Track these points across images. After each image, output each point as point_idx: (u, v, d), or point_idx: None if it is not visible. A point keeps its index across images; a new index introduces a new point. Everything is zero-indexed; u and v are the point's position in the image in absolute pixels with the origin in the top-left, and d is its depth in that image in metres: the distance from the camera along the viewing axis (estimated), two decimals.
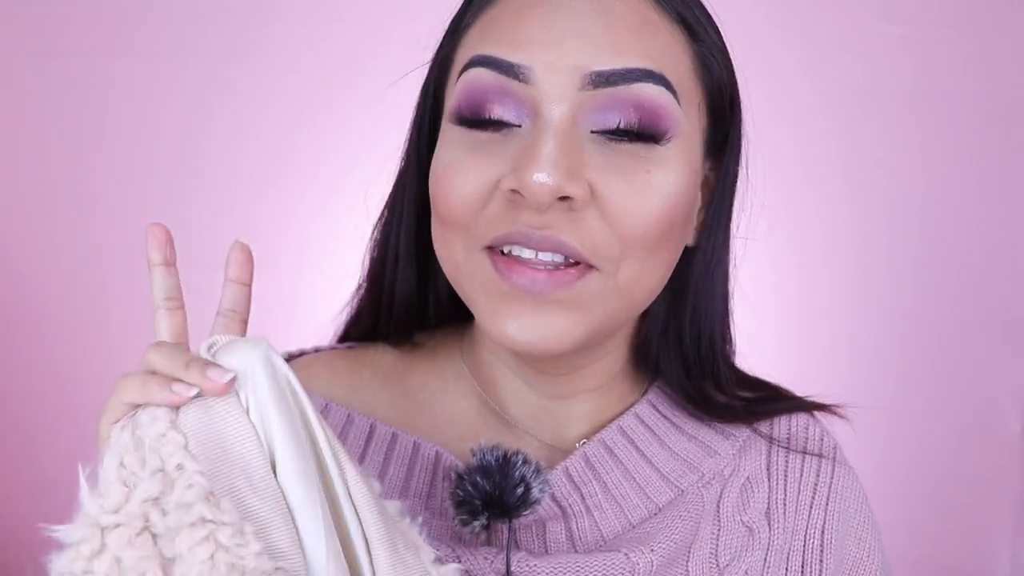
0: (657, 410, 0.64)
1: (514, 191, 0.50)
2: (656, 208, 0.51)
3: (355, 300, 0.68)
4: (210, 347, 0.46)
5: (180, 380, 0.43)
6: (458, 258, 0.54)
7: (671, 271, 0.57)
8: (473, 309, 0.55)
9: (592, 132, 0.51)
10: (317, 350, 0.69)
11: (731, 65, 0.58)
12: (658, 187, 0.51)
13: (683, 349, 0.62)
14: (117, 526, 0.42)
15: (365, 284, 0.66)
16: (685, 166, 0.53)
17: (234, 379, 0.43)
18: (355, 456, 0.61)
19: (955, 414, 1.35)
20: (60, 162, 1.37)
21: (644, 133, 0.51)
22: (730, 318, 0.65)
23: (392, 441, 0.61)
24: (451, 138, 0.54)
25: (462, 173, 0.52)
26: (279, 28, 1.34)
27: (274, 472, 0.44)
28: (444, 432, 0.62)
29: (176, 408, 0.43)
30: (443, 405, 0.64)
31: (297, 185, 1.37)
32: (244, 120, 1.36)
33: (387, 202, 0.66)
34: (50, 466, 1.48)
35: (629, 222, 0.51)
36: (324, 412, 0.62)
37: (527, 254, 0.51)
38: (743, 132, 0.60)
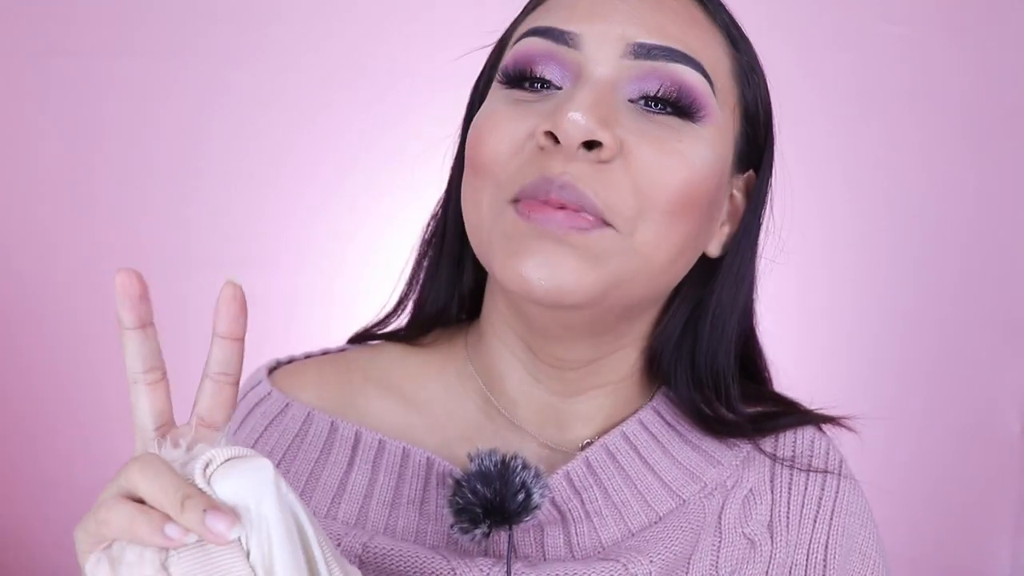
0: (662, 417, 0.63)
1: (547, 133, 0.51)
2: (681, 175, 0.52)
3: (399, 294, 0.67)
4: (206, 466, 0.41)
5: (174, 522, 0.38)
6: (483, 209, 0.54)
7: (689, 256, 0.57)
8: (490, 261, 0.55)
9: (630, 101, 0.53)
10: (308, 356, 0.68)
11: (767, 89, 0.60)
12: (686, 157, 0.52)
13: (695, 362, 0.62)
14: None
15: (410, 277, 0.66)
16: (716, 152, 0.54)
17: (238, 524, 0.38)
18: (341, 467, 0.59)
19: (955, 414, 1.35)
20: (60, 162, 1.37)
21: (680, 106, 0.53)
22: (756, 337, 0.65)
23: (380, 449, 0.60)
24: (494, 95, 0.56)
25: (499, 124, 0.53)
26: (279, 28, 1.34)
27: None
28: (444, 431, 0.62)
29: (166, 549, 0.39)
30: (444, 404, 0.64)
31: (297, 185, 1.37)
32: (244, 120, 1.36)
33: (433, 215, 0.66)
34: (50, 466, 1.48)
35: (652, 182, 0.52)
36: (307, 422, 0.61)
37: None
38: (774, 153, 0.62)
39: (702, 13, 0.56)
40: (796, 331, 1.32)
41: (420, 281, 0.66)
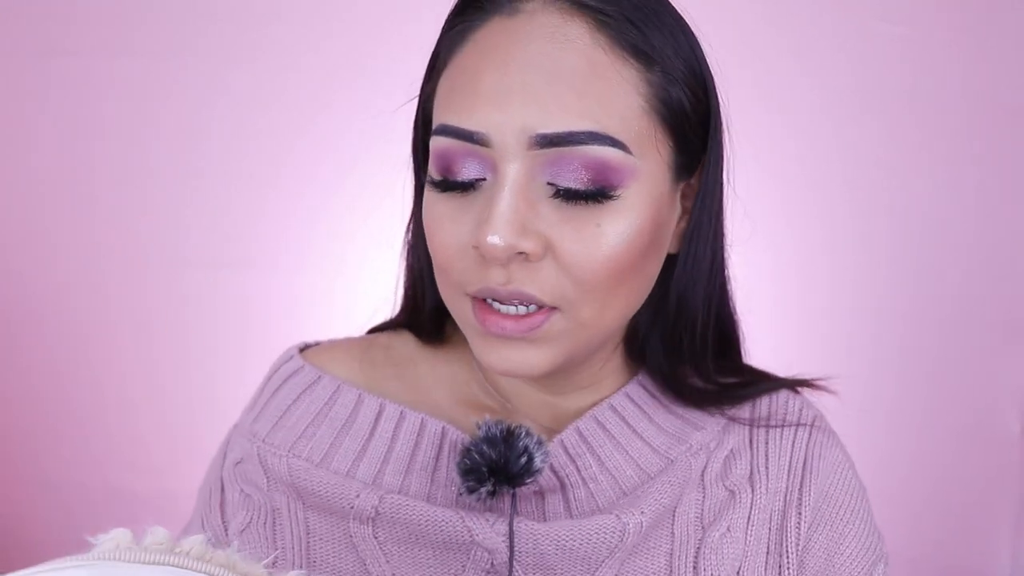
0: (646, 390, 0.68)
1: (476, 248, 0.55)
2: (605, 257, 0.55)
3: (398, 300, 0.73)
4: None
5: None
6: (448, 298, 0.61)
7: (643, 294, 0.61)
8: (464, 332, 0.62)
9: (549, 184, 0.55)
10: (336, 339, 0.74)
11: (701, 80, 0.59)
12: (607, 238, 0.55)
13: (669, 342, 0.67)
14: None
15: (405, 285, 0.71)
16: (643, 207, 0.56)
17: None
18: (364, 434, 0.64)
19: (955, 414, 1.35)
20: (60, 162, 1.37)
21: (592, 192, 0.55)
22: (730, 314, 0.69)
23: (400, 418, 0.65)
24: (430, 195, 0.59)
25: (441, 227, 0.58)
26: (279, 28, 1.34)
27: None
28: (447, 416, 0.66)
29: None
30: (452, 391, 0.68)
31: (297, 185, 1.37)
32: (244, 120, 1.36)
33: (408, 226, 0.70)
34: (50, 466, 1.48)
35: (581, 271, 0.55)
36: (336, 393, 0.67)
37: (497, 305, 0.57)
38: (725, 141, 0.62)
39: (606, 45, 0.55)
40: (796, 331, 1.32)
41: (409, 282, 0.70)
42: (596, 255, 0.55)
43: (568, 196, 0.54)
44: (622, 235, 0.55)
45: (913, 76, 1.30)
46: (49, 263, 1.38)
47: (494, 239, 0.53)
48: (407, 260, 0.70)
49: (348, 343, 0.72)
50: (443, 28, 0.61)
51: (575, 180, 0.54)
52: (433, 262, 0.60)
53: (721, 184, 0.63)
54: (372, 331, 0.74)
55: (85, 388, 1.41)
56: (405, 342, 0.71)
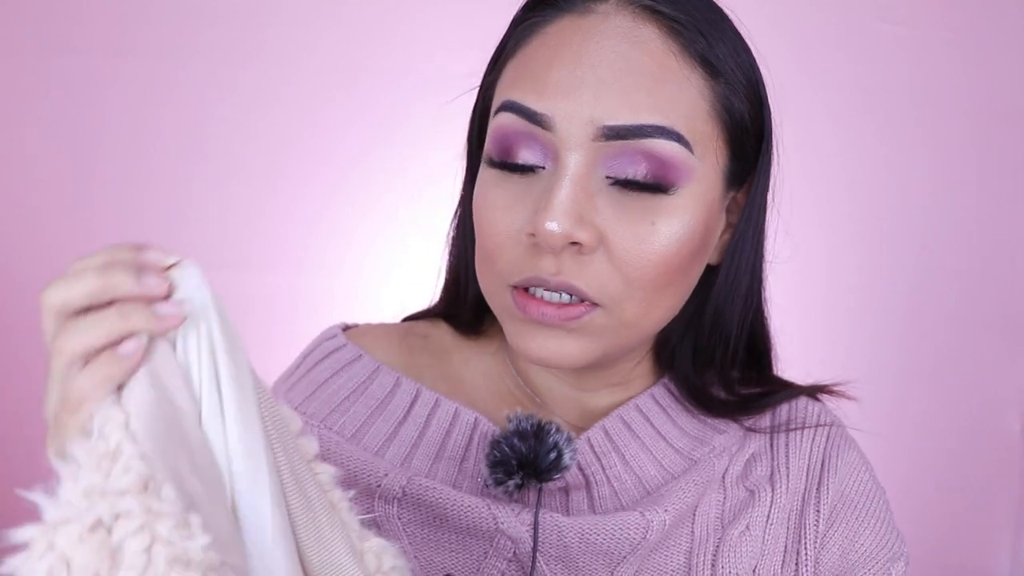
0: (671, 393, 0.69)
1: (531, 235, 0.55)
2: (655, 256, 0.56)
3: (439, 293, 0.73)
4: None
5: (143, 290, 0.40)
6: (490, 287, 0.61)
7: (683, 299, 0.62)
8: (502, 324, 0.62)
9: (607, 177, 0.56)
10: (375, 323, 0.75)
11: (758, 97, 0.61)
12: (659, 236, 0.56)
13: (697, 353, 0.68)
14: (65, 522, 0.38)
15: (447, 275, 0.72)
16: (697, 209, 0.57)
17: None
18: (398, 417, 0.65)
19: (955, 414, 1.35)
20: (60, 161, 1.37)
21: (652, 185, 0.55)
22: (765, 332, 0.70)
23: (435, 406, 0.66)
24: (487, 173, 0.59)
25: (495, 213, 0.58)
26: (280, 28, 1.34)
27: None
28: (479, 407, 0.67)
29: (120, 385, 0.39)
30: (484, 383, 0.70)
31: (298, 185, 1.37)
32: (244, 120, 1.36)
33: (455, 217, 0.71)
34: (48, 467, 1.48)
35: (631, 266, 0.56)
36: (375, 373, 0.67)
37: (540, 292, 0.57)
38: (773, 160, 0.64)
39: (676, 50, 0.56)
40: (795, 331, 1.32)
41: (452, 273, 0.71)
42: (647, 252, 0.56)
43: (626, 186, 0.55)
44: (674, 235, 0.56)
45: (912, 75, 1.30)
46: (49, 263, 1.38)
47: (552, 225, 0.53)
48: (451, 250, 0.71)
49: (388, 328, 0.73)
50: (512, 22, 0.62)
51: (635, 171, 0.55)
52: (479, 249, 0.61)
53: (765, 203, 0.64)
54: (408, 319, 0.75)
55: None
56: (442, 332, 0.72)
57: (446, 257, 0.72)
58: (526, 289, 0.58)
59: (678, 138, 0.55)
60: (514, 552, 0.60)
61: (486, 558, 0.61)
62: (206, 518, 0.38)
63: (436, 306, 0.74)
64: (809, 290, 1.33)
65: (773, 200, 0.65)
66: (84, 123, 1.35)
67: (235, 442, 0.41)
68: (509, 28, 0.63)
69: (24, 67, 1.35)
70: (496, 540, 0.60)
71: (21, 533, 0.38)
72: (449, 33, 1.29)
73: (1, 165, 1.37)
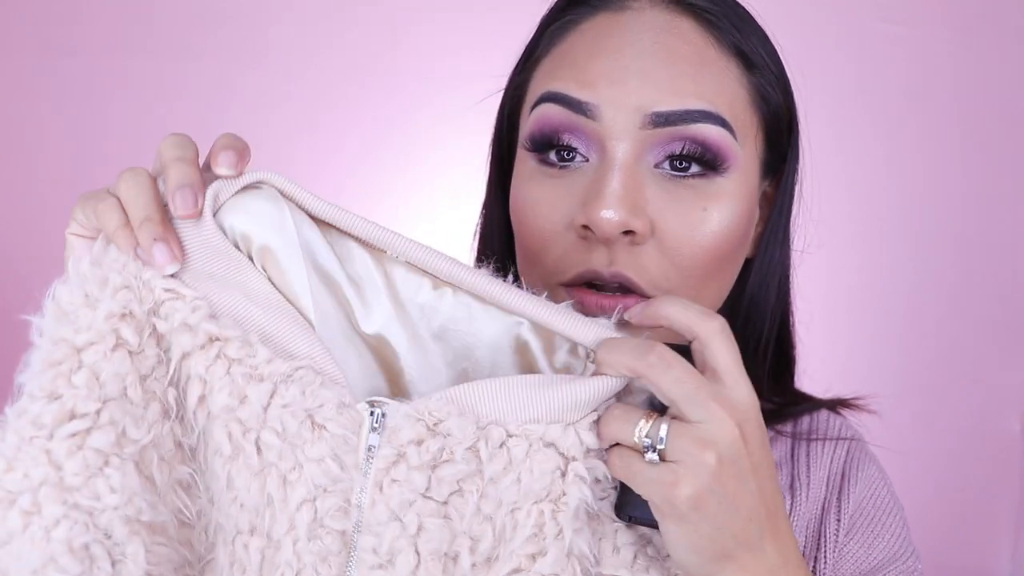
0: None
1: (585, 226, 0.55)
2: (708, 242, 0.56)
3: None
4: (215, 198, 0.48)
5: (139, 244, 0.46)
6: (536, 282, 0.60)
7: (728, 290, 0.62)
8: None
9: (655, 167, 0.55)
10: None
11: (789, 89, 0.62)
12: (711, 223, 0.56)
13: None
14: (91, 344, 0.44)
15: None
16: (741, 197, 0.57)
17: (175, 263, 0.46)
18: None
19: (955, 414, 1.35)
20: (63, 163, 1.37)
21: (704, 161, 0.55)
22: (791, 327, 0.70)
23: None
24: (527, 169, 0.59)
25: (539, 210, 0.58)
26: (284, 30, 1.34)
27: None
28: None
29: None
30: None
31: (301, 185, 1.37)
32: (247, 122, 1.36)
33: (479, 223, 0.70)
34: None
35: (683, 254, 0.56)
36: None
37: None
38: (800, 151, 0.64)
39: (713, 42, 0.57)
40: (795, 331, 1.32)
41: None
42: (699, 237, 0.56)
43: (676, 171, 0.55)
44: (725, 220, 0.56)
45: (911, 75, 1.30)
46: (48, 263, 1.38)
47: (608, 213, 0.53)
48: (477, 252, 0.70)
49: None
50: (541, 23, 0.62)
51: (688, 150, 0.55)
52: (523, 248, 0.60)
53: (794, 195, 0.64)
54: None
55: None
56: None
57: (474, 258, 0.71)
58: (580, 286, 0.57)
59: (723, 123, 0.55)
60: None
61: None
62: (272, 337, 0.45)
63: None
64: (808, 290, 1.33)
65: (800, 192, 0.65)
66: (85, 123, 1.35)
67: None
68: (538, 29, 0.62)
69: (24, 67, 1.35)
70: None
71: (46, 352, 0.46)
72: (455, 36, 1.29)
73: (4, 165, 1.37)
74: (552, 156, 0.57)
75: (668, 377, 0.43)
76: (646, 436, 0.43)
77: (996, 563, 1.37)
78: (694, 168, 0.56)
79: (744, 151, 0.57)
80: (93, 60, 1.34)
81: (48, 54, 1.34)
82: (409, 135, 1.32)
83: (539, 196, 0.57)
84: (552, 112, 0.56)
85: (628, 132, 0.54)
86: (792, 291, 0.69)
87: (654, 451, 0.43)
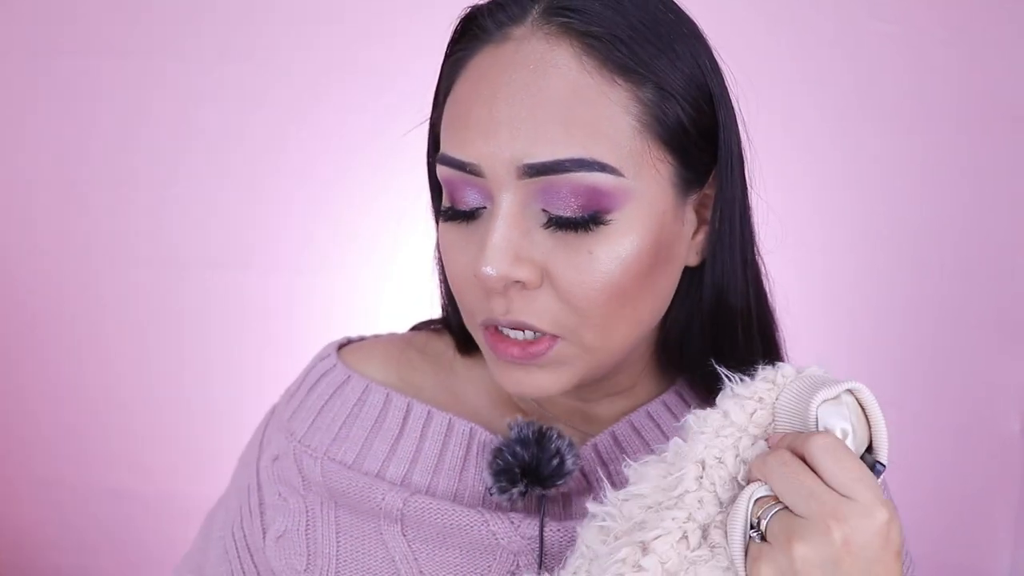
0: (683, 399, 0.68)
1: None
2: (599, 283, 0.55)
3: (441, 311, 0.74)
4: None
5: None
6: (466, 323, 0.62)
7: (655, 310, 0.61)
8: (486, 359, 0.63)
9: (543, 211, 0.55)
10: (377, 336, 0.76)
11: (705, 92, 0.58)
12: (600, 263, 0.55)
13: (707, 352, 0.66)
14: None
15: (441, 297, 0.72)
16: (640, 228, 0.56)
17: None
18: (393, 434, 0.66)
19: (955, 414, 1.35)
20: (55, 162, 1.37)
21: (584, 219, 0.55)
22: (769, 322, 0.69)
23: (428, 418, 0.66)
24: (442, 223, 0.60)
25: (450, 256, 0.59)
26: (274, 27, 1.34)
27: None
28: (481, 416, 0.68)
29: None
30: (486, 393, 0.69)
31: (297, 185, 1.37)
32: (243, 120, 1.36)
33: (437, 241, 0.70)
34: (46, 467, 1.48)
35: (576, 298, 0.56)
36: (365, 393, 0.68)
37: (505, 331, 0.58)
38: (745, 149, 0.62)
39: (593, 67, 0.54)
40: (794, 331, 1.32)
41: (444, 294, 0.71)
42: (590, 282, 0.55)
43: (560, 224, 0.55)
44: (617, 259, 0.55)
45: (907, 74, 1.30)
46: (44, 263, 1.38)
47: (488, 269, 0.54)
48: (439, 276, 0.70)
49: (387, 341, 0.74)
50: (445, 55, 0.62)
51: (566, 208, 0.54)
52: (449, 289, 0.62)
53: (742, 191, 0.62)
54: (417, 327, 0.76)
55: (81, 389, 1.41)
56: (446, 344, 0.72)
57: (436, 281, 0.71)
58: (493, 329, 0.58)
59: (601, 167, 0.54)
60: (517, 564, 0.60)
61: (490, 572, 0.61)
62: None
63: (442, 318, 0.74)
64: (808, 290, 1.33)
65: (753, 187, 0.63)
66: (81, 123, 1.35)
67: None
68: (442, 63, 0.62)
69: (22, 67, 1.35)
70: (497, 555, 0.60)
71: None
72: (445, 32, 1.29)
73: None
74: (458, 211, 0.58)
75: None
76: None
77: (996, 563, 1.37)
78: (575, 225, 0.55)
79: (640, 181, 0.55)
80: (86, 60, 1.34)
81: (41, 54, 1.34)
82: (404, 133, 1.32)
83: (449, 243, 0.59)
84: (448, 174, 0.57)
85: (508, 183, 0.55)
86: (764, 283, 0.67)
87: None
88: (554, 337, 0.57)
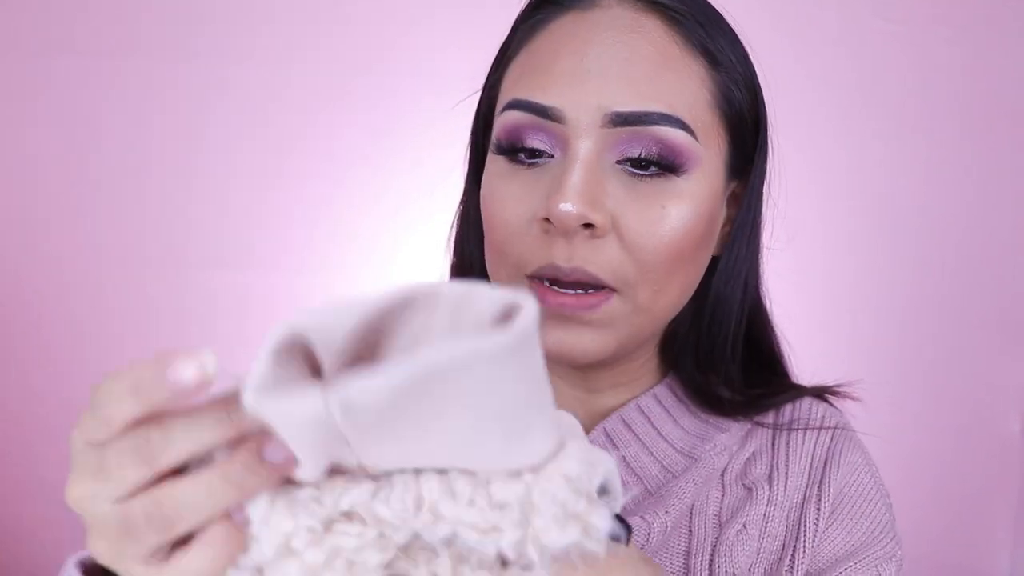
0: (673, 393, 0.69)
1: (546, 219, 0.56)
2: (667, 239, 0.57)
3: None
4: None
5: None
6: (502, 278, 0.61)
7: (693, 287, 0.63)
8: None
9: (617, 163, 0.57)
10: None
11: (755, 89, 0.63)
12: (670, 220, 0.57)
13: (700, 349, 0.68)
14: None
15: (451, 278, 0.72)
16: (703, 196, 0.58)
17: None
18: None
19: (955, 414, 1.35)
20: (59, 162, 1.37)
21: (663, 163, 0.57)
22: (765, 322, 0.71)
23: None
24: (496, 167, 0.60)
25: (505, 204, 0.59)
26: (280, 28, 1.34)
27: None
28: None
29: None
30: None
31: (298, 185, 1.37)
32: (244, 120, 1.36)
33: (457, 220, 0.71)
34: (46, 467, 1.48)
35: (643, 249, 0.57)
36: None
37: (556, 288, 0.58)
38: (769, 151, 0.65)
39: (678, 41, 0.58)
40: (794, 331, 1.32)
41: (456, 273, 0.71)
42: (658, 235, 0.57)
43: (637, 167, 0.56)
44: (684, 219, 0.57)
45: (910, 73, 1.30)
46: (48, 263, 1.38)
47: (567, 206, 0.54)
48: (454, 250, 0.71)
49: None
50: (515, 22, 0.64)
51: (646, 153, 0.56)
52: (490, 242, 0.61)
53: (762, 194, 0.65)
54: None
55: (84, 388, 1.41)
56: None
57: (449, 258, 0.72)
58: (542, 282, 0.58)
59: (683, 126, 0.56)
60: None
61: None
62: None
63: None
64: (808, 290, 1.33)
65: (769, 193, 0.66)
66: (83, 123, 1.35)
67: None
68: (512, 29, 0.64)
69: (23, 67, 1.35)
70: None
71: None
72: (450, 34, 1.29)
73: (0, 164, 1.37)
74: (520, 156, 0.59)
75: None
76: None
77: (995, 563, 1.37)
78: (654, 168, 0.57)
79: (707, 151, 0.58)
80: (88, 60, 1.34)
81: (43, 54, 1.34)
82: (409, 134, 1.32)
83: (506, 191, 0.59)
84: (517, 118, 0.58)
85: (590, 130, 0.56)
86: (763, 287, 0.69)
87: None
88: (610, 292, 0.57)
